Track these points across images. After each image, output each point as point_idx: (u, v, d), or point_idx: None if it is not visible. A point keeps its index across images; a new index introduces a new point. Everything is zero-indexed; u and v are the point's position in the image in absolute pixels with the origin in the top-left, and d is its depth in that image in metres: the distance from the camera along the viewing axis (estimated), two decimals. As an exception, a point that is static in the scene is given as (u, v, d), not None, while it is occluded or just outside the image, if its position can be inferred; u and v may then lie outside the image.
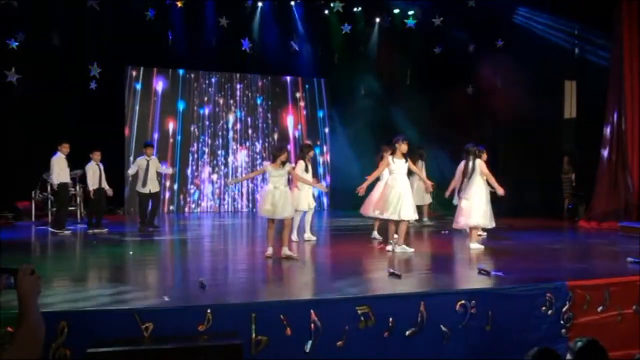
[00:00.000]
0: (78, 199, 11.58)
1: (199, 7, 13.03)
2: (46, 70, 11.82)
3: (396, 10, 14.18)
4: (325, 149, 15.42)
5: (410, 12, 13.95)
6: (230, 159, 14.45)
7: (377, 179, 8.67)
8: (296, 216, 8.26)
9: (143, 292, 5.23)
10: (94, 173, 10.05)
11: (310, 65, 14.39)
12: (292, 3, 13.95)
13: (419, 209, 9.57)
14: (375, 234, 8.96)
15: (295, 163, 8.36)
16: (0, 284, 2.06)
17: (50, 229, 9.62)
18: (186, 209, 14.03)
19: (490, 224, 8.06)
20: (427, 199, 11.11)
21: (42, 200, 11.27)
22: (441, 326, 4.86)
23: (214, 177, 14.31)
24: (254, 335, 4.38)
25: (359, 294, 5.04)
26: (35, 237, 9.65)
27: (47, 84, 11.84)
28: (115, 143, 12.89)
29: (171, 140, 13.89)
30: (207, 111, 14.25)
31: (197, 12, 13.00)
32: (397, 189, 7.59)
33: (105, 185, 10.17)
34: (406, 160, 7.73)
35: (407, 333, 4.77)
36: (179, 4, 12.66)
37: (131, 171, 10.43)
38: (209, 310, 4.34)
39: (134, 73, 13.62)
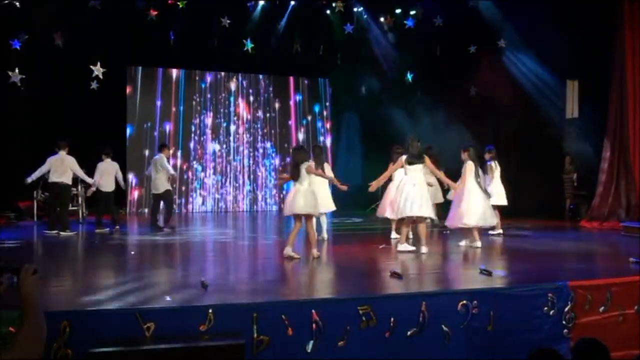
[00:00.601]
0: (80, 199, 11.60)
1: (200, 7, 13.04)
2: (48, 70, 11.84)
3: (397, 10, 14.19)
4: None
5: (412, 12, 13.97)
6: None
7: (390, 180, 8.77)
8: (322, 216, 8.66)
9: (145, 292, 5.24)
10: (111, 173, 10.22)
11: (312, 65, 14.40)
12: (293, 2, 13.95)
13: None
14: (394, 234, 9.15)
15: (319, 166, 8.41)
16: (3, 283, 2.06)
17: (60, 232, 9.64)
18: (189, 207, 14.06)
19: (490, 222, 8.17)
20: (439, 198, 10.97)
21: (43, 200, 11.29)
22: (443, 326, 4.85)
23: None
24: (255, 335, 4.38)
25: (361, 294, 5.04)
26: (37, 237, 9.65)
27: (49, 85, 11.86)
28: (116, 143, 12.92)
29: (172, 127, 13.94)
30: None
31: (199, 12, 13.01)
32: (411, 187, 7.61)
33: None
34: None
35: (409, 333, 4.77)
36: (180, 4, 12.67)
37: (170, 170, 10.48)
38: (210, 310, 4.34)
39: (135, 73, 13.65)
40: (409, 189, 7.58)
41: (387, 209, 8.63)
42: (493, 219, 8.28)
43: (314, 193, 7.25)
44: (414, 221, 7.74)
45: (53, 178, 9.65)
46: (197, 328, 4.28)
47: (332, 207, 8.89)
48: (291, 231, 7.22)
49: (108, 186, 10.19)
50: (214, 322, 4.31)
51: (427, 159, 7.73)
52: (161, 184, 10.16)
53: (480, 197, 8.01)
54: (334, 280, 6.13)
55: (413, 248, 7.65)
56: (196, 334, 4.24)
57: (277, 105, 14.94)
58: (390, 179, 9.05)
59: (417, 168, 7.63)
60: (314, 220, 7.68)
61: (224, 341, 4.06)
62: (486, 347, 4.97)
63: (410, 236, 8.72)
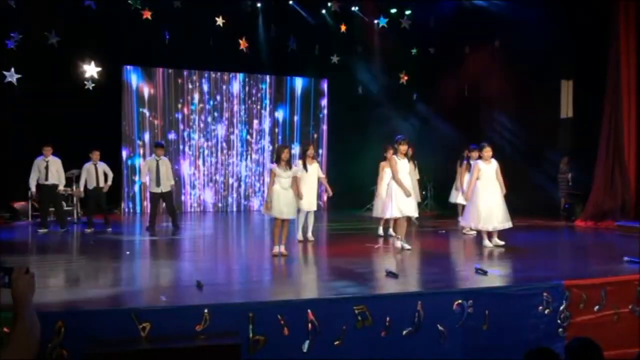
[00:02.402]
0: (74, 199, 11.56)
1: (195, 6, 13.00)
2: (43, 70, 11.78)
3: (393, 10, 14.20)
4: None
5: (407, 12, 13.99)
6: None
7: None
8: (300, 216, 8.54)
9: (140, 292, 5.23)
10: (90, 173, 10.06)
11: (308, 65, 14.38)
12: (290, 2, 13.94)
13: None
14: (380, 230, 9.27)
15: (304, 163, 8.46)
16: (-4, 283, 2.04)
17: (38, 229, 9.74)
18: (187, 208, 14.03)
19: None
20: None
21: (38, 200, 11.24)
22: (438, 326, 4.86)
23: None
24: (251, 335, 4.38)
25: (357, 294, 5.04)
26: (31, 237, 9.61)
27: (44, 84, 11.80)
28: (111, 142, 12.89)
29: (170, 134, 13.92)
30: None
31: (194, 12, 12.98)
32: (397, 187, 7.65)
33: (101, 184, 10.17)
34: (409, 160, 7.78)
35: (404, 332, 4.77)
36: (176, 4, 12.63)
37: (142, 177, 10.44)
38: (206, 310, 4.34)
39: (130, 72, 13.62)
40: (396, 188, 7.68)
41: (384, 208, 8.61)
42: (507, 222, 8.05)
43: (293, 194, 7.48)
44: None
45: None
46: (193, 328, 4.28)
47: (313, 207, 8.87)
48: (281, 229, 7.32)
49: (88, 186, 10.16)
50: (210, 322, 4.31)
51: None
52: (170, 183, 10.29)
53: (495, 199, 7.99)
54: (330, 280, 6.13)
55: (409, 247, 7.69)
56: (192, 334, 4.23)
57: (272, 104, 14.92)
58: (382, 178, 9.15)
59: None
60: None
61: (220, 341, 4.06)
62: (482, 346, 4.98)
63: (392, 233, 8.80)
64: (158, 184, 10.12)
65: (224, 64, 14.08)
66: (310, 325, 4.53)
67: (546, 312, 5.22)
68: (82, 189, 10.05)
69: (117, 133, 13.46)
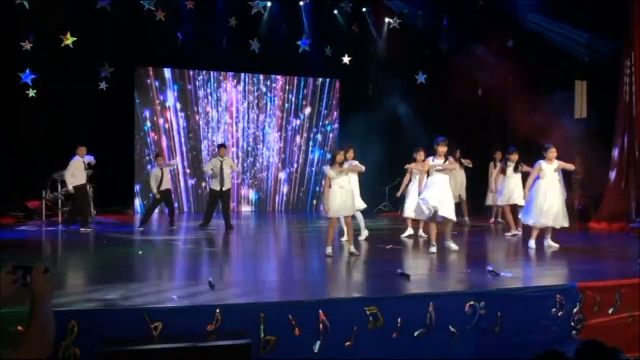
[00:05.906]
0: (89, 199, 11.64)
1: (208, 7, 13.07)
2: (57, 71, 11.88)
3: (405, 10, 14.16)
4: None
5: (420, 12, 13.94)
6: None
7: (410, 181, 9.15)
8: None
9: (152, 291, 5.25)
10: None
11: (320, 65, 14.38)
12: (302, 3, 13.95)
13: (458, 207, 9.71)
14: (421, 232, 9.29)
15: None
16: (17, 282, 2.06)
17: (80, 229, 9.81)
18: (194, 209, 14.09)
19: None
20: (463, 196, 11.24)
21: (52, 200, 11.35)
22: (450, 327, 4.84)
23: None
24: (262, 335, 4.38)
25: (368, 295, 5.03)
26: (46, 237, 9.70)
27: (58, 85, 11.91)
28: (125, 142, 12.98)
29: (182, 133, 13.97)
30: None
31: (207, 13, 13.04)
32: (440, 189, 7.62)
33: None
34: (446, 161, 7.74)
35: (416, 334, 4.76)
36: (190, 5, 12.70)
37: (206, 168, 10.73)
38: (218, 310, 4.35)
39: (144, 73, 13.70)
40: (437, 189, 7.64)
41: (413, 210, 8.53)
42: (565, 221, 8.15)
43: (352, 191, 7.56)
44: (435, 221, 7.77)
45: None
46: (204, 328, 4.29)
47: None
48: (328, 230, 7.42)
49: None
50: (222, 322, 4.32)
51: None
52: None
53: (556, 198, 8.05)
54: (342, 281, 6.12)
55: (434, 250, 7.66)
56: (204, 334, 4.25)
57: (285, 105, 14.94)
58: (410, 180, 9.12)
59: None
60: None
61: (231, 341, 4.07)
62: (493, 348, 4.95)
63: (423, 235, 8.79)
64: (222, 183, 10.32)
65: (236, 65, 14.13)
66: (321, 325, 4.52)
67: (559, 314, 5.18)
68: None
69: (131, 133, 13.55)
